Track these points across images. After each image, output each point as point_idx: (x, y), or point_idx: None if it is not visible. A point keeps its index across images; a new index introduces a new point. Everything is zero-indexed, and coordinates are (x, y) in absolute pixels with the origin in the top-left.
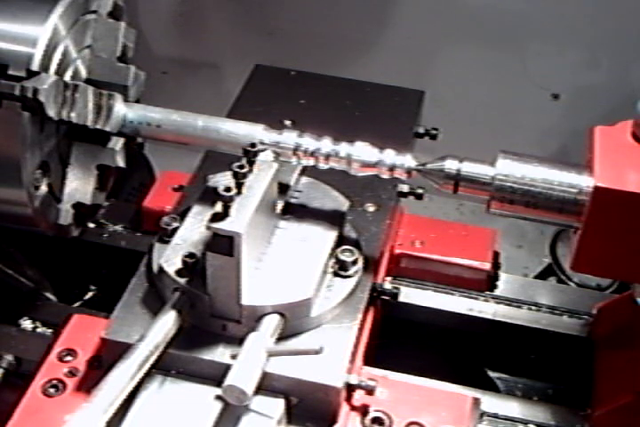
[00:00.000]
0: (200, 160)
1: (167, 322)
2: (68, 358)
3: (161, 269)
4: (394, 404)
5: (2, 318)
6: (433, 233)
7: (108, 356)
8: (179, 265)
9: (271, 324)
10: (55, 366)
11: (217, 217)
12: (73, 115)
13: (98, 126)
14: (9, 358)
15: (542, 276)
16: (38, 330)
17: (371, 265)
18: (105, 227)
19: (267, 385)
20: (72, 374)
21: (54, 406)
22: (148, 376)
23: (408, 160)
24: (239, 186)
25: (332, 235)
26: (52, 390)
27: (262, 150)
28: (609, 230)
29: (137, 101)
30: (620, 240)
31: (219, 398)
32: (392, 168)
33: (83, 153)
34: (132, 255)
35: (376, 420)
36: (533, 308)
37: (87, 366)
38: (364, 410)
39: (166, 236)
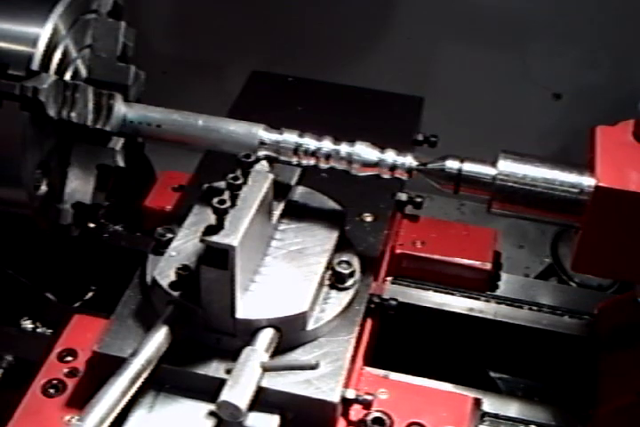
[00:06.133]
0: (200, 160)
1: (160, 337)
2: (69, 358)
3: (154, 282)
4: (394, 404)
5: (2, 318)
6: (434, 233)
7: (101, 369)
8: (172, 278)
9: (266, 338)
10: (55, 367)
11: (211, 230)
12: (73, 114)
13: (98, 126)
14: (9, 358)
15: (543, 276)
16: (38, 330)
17: (368, 276)
18: (105, 227)
19: (262, 400)
20: (72, 374)
21: (54, 406)
22: (141, 391)
23: (409, 160)
24: (233, 198)
25: (328, 246)
26: (52, 391)
27: (257, 161)
28: (610, 230)
29: (137, 101)
30: (622, 240)
31: (213, 414)
32: (393, 168)
33: (83, 153)
34: (132, 255)
35: (376, 420)
36: (534, 308)
37: (87, 366)
38: (360, 425)
39: (160, 247)
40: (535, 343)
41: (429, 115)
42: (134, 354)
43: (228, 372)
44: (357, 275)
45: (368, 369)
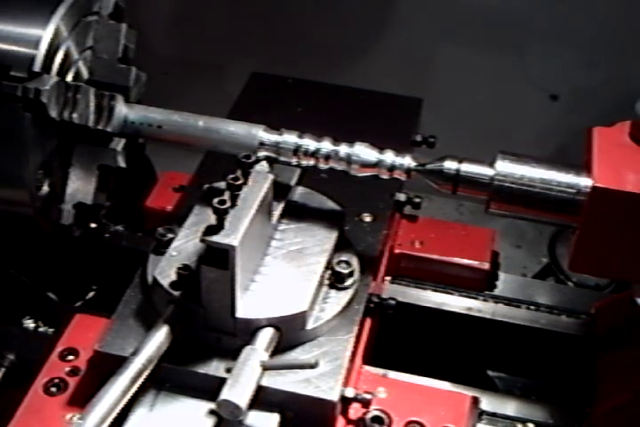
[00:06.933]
0: (200, 161)
1: (160, 336)
2: (70, 357)
3: (155, 282)
4: (393, 403)
5: (4, 317)
6: (432, 233)
7: (102, 368)
8: (173, 277)
9: (266, 337)
10: (57, 366)
11: (211, 230)
12: (74, 115)
13: (99, 127)
14: (11, 357)
15: (541, 275)
16: (40, 329)
17: (367, 276)
18: (106, 227)
19: (262, 399)
20: (74, 373)
21: (56, 404)
22: (142, 390)
23: (407, 161)
24: (234, 198)
25: (328, 246)
26: (53, 389)
27: (257, 162)
28: (607, 230)
29: (138, 102)
30: (618, 240)
31: (213, 412)
32: (392, 168)
33: (84, 153)
34: (133, 255)
35: (376, 419)
36: (532, 307)
37: (89, 365)
38: (360, 424)
39: (161, 247)
40: (533, 343)
41: (428, 116)
42: (135, 353)
43: (229, 371)
44: (356, 275)
45: (367, 368)
